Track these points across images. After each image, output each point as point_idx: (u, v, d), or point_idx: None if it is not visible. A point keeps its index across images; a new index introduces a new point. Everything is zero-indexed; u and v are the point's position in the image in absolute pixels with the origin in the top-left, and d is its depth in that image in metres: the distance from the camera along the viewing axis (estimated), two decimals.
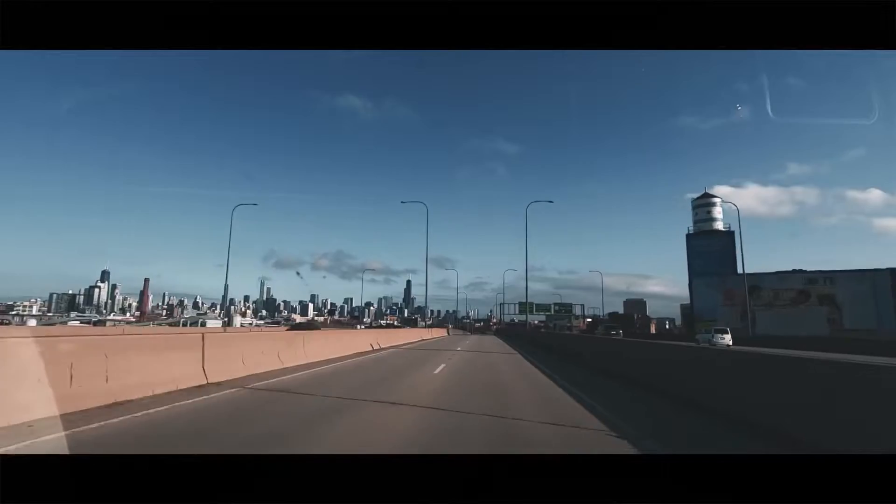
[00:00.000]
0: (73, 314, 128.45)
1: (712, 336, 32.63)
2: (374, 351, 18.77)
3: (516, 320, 78.45)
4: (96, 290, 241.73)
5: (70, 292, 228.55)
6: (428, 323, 73.08)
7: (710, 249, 66.45)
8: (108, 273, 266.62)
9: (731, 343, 30.98)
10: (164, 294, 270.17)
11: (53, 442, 4.35)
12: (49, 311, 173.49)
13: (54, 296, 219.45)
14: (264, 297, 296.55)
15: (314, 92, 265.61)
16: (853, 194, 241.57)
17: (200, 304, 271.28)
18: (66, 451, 4.09)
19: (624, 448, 4.87)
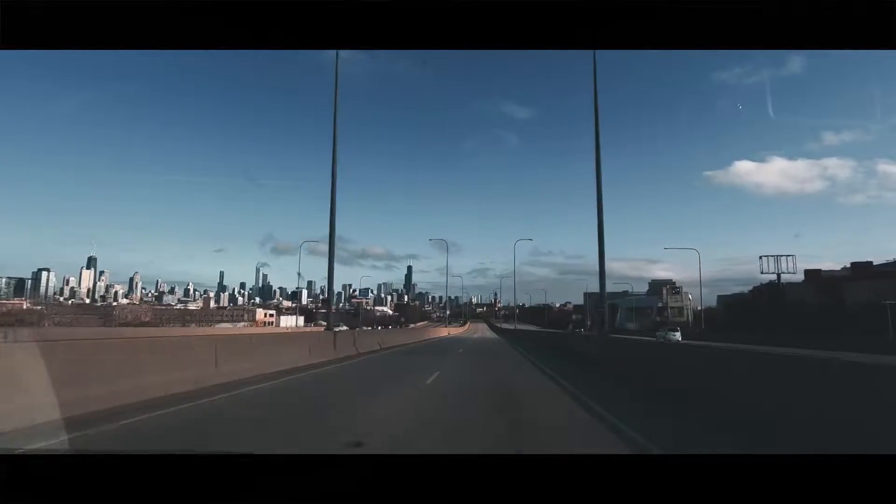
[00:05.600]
0: None
1: (666, 333, 38.98)
2: None
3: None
4: (44, 275, 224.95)
5: (7, 276, 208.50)
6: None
7: None
8: (95, 259, 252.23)
9: (680, 339, 36.18)
10: (156, 281, 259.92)
11: None
12: None
13: (2, 280, 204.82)
14: (260, 284, 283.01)
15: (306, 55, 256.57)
16: (884, 167, 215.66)
17: (192, 292, 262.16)
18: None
19: None
